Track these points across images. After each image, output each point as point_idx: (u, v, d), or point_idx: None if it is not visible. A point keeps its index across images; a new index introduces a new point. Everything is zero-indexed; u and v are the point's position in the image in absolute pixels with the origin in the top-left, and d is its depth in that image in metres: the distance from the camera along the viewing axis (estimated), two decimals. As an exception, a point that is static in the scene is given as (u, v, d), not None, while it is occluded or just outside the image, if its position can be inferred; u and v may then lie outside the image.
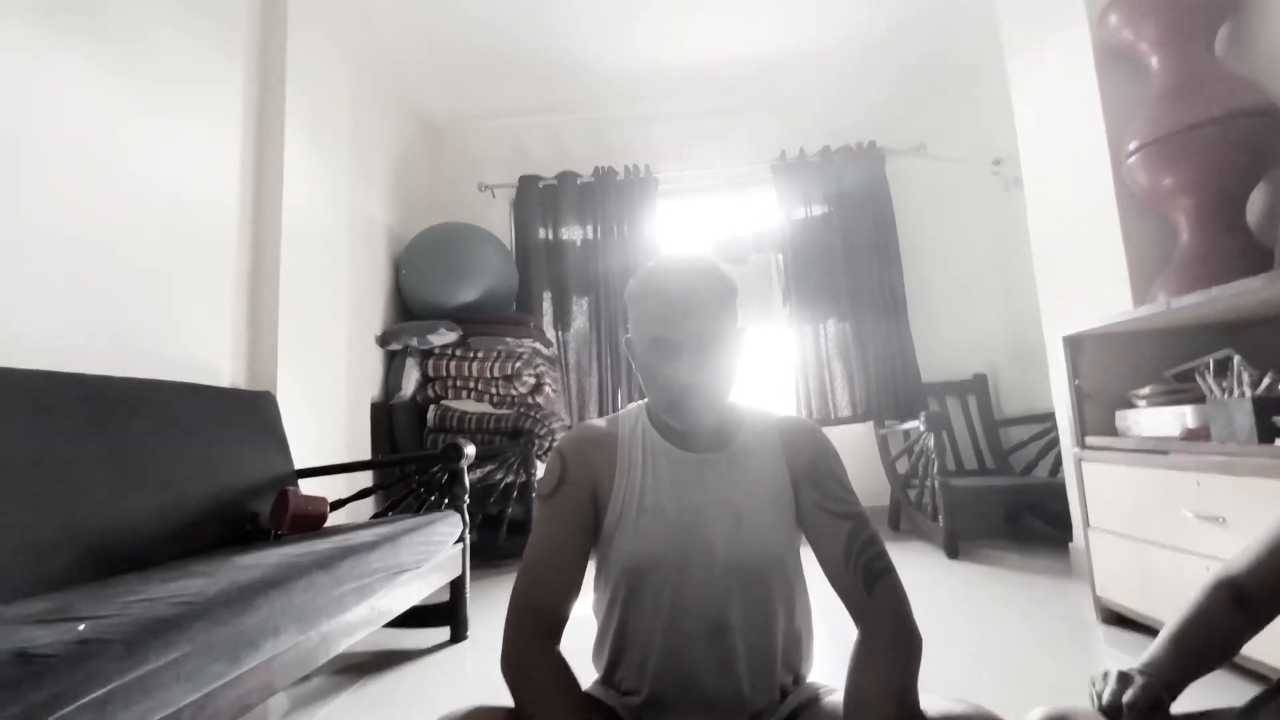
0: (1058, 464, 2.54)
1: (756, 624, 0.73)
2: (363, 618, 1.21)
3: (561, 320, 3.31)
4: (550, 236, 3.39)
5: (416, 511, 1.80)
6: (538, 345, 2.90)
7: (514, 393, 2.74)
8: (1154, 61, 1.70)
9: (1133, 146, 1.67)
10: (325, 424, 2.21)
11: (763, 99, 3.41)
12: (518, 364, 2.71)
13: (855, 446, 3.13)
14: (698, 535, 0.74)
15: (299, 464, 1.85)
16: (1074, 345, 1.70)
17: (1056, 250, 2.11)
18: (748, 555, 0.73)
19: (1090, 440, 1.66)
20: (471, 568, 1.81)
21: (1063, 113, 2.02)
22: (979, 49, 2.98)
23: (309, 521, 1.54)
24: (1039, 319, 2.23)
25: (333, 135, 2.37)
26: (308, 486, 1.85)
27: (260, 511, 1.58)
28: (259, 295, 1.97)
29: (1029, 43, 2.20)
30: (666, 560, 0.73)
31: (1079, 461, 1.69)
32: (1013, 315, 3.11)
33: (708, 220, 3.54)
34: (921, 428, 2.53)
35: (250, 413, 1.72)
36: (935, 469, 2.45)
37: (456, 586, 1.75)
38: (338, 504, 1.82)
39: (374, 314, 2.79)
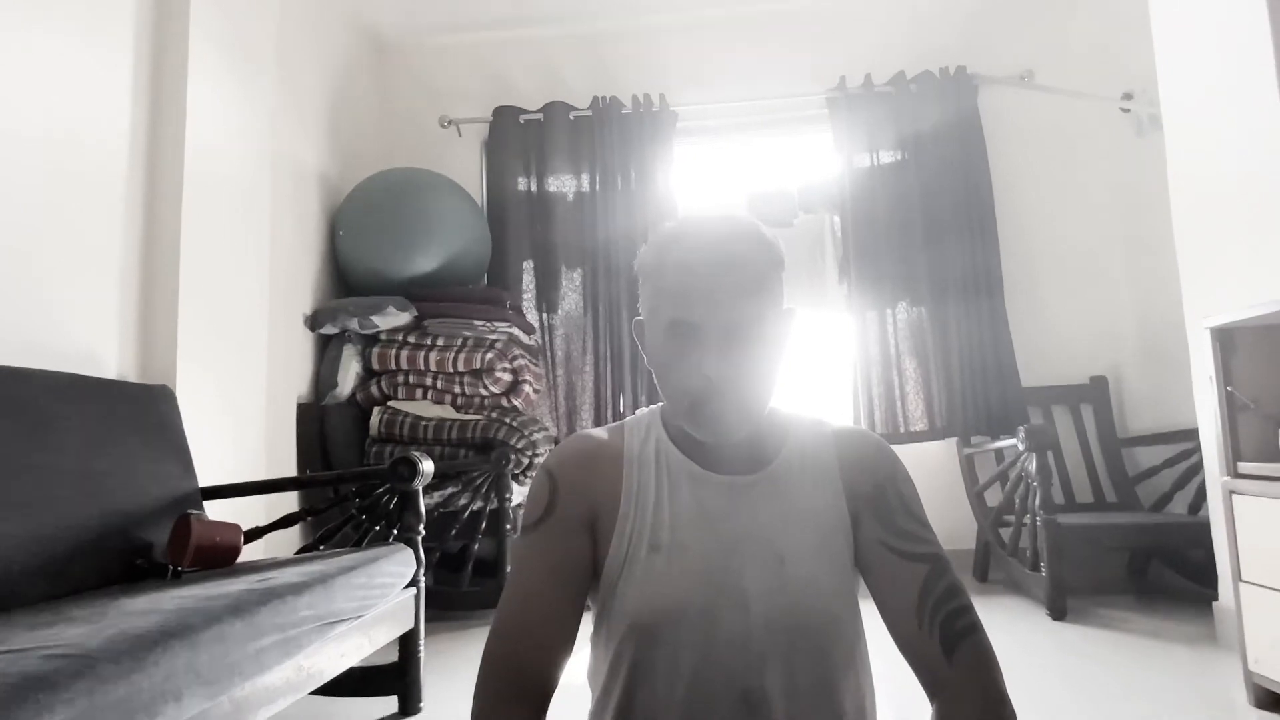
0: (1201, 498, 2.54)
1: (803, 697, 0.74)
2: (287, 680, 1.22)
3: (547, 299, 3.33)
4: (534, 188, 3.41)
5: (356, 545, 1.82)
6: (516, 331, 2.92)
7: (484, 392, 2.76)
8: (1342, -37, 1.68)
9: (1310, 77, 1.65)
10: (239, 429, 2.23)
11: (818, 6, 3.40)
12: (489, 355, 2.73)
13: (932, 471, 3.13)
14: (728, 581, 0.74)
15: (205, 480, 1.88)
16: (1224, 340, 1.70)
17: (1204, 214, 2.10)
18: (792, 608, 0.74)
19: (1245, 467, 1.66)
20: (427, 619, 1.83)
21: (1217, 32, 2.01)
22: (1106, -55, 2.95)
23: (217, 555, 1.56)
24: (1179, 305, 2.22)
25: (252, 55, 2.38)
26: (216, 510, 1.88)
27: (155, 542, 1.60)
28: (154, 262, 1.99)
29: (1174, -63, 2.18)
30: (687, 614, 0.73)
31: (1229, 494, 1.68)
32: (1144, 300, 3.10)
33: (741, 169, 3.54)
34: (1020, 447, 2.53)
35: (142, 412, 1.74)
36: (1038, 502, 2.45)
37: (407, 643, 1.77)
38: (254, 533, 1.85)
39: (303, 287, 2.82)
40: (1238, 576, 1.66)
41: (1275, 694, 1.59)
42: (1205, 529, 2.22)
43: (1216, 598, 2.13)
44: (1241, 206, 1.94)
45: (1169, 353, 2.77)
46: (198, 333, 2.05)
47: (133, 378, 1.92)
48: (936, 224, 3.22)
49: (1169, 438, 2.83)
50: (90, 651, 0.87)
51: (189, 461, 1.84)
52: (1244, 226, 1.94)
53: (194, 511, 1.67)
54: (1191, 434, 2.47)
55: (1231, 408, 1.68)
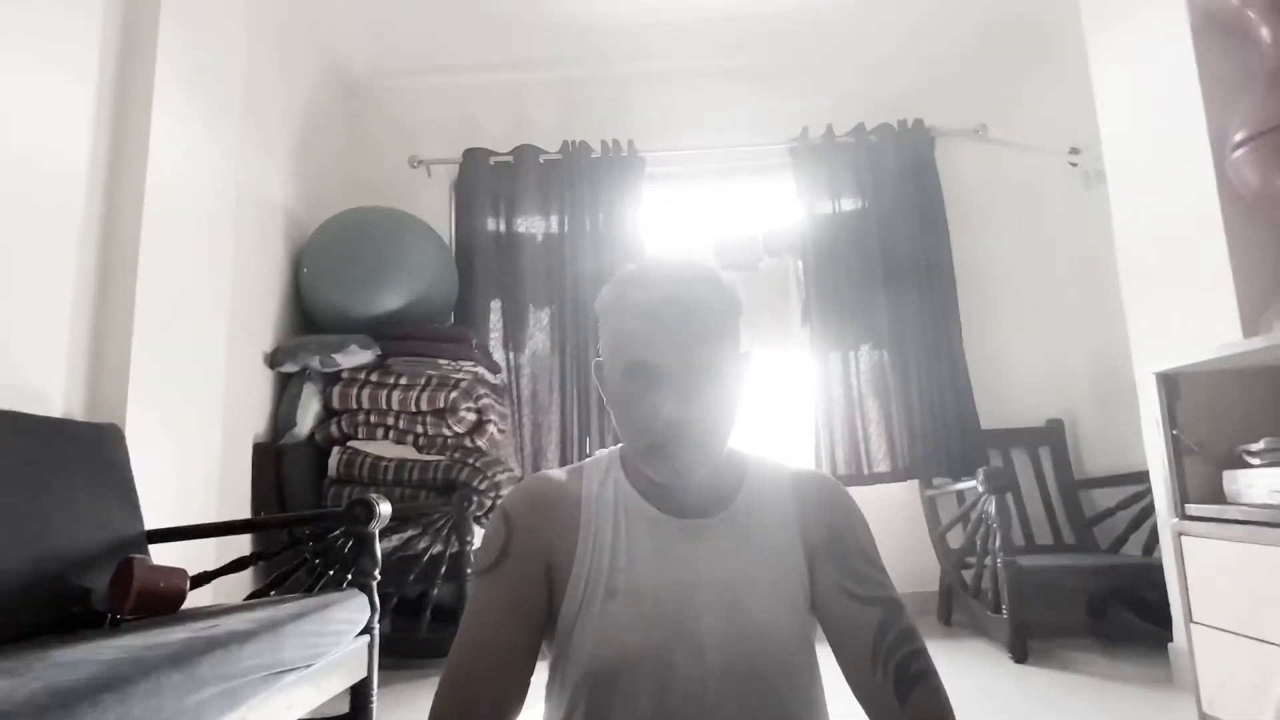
0: (1155, 539, 2.59)
1: (759, 746, 0.71)
2: (228, 735, 1.17)
3: (514, 338, 3.33)
4: (503, 228, 3.44)
5: (309, 591, 1.76)
6: (481, 370, 2.90)
7: (447, 433, 2.72)
8: (1264, 33, 1.80)
9: (1239, 138, 1.75)
10: (191, 469, 2.16)
11: (781, 60, 3.52)
12: (453, 394, 2.70)
13: (895, 512, 3.16)
14: (684, 627, 0.74)
15: (151, 523, 1.81)
16: (1170, 385, 1.76)
17: (1148, 263, 2.19)
18: (748, 653, 0.74)
19: (1192, 509, 1.70)
20: (382, 668, 1.77)
21: (1154, 92, 2.13)
22: (1053, 10, 3.12)
23: (161, 602, 1.50)
24: (1128, 350, 2.29)
25: (219, 90, 2.38)
26: (162, 554, 1.81)
27: (94, 588, 1.53)
28: (108, 296, 1.94)
29: (1113, 5, 2.31)
30: (643, 660, 0.73)
31: (1178, 535, 1.73)
32: (1097, 345, 3.20)
33: (708, 214, 3.62)
34: (980, 489, 2.56)
35: (88, 452, 1.68)
36: (998, 544, 2.48)
37: (360, 693, 1.70)
38: (201, 578, 1.78)
39: (264, 325, 2.78)
40: (1189, 618, 1.69)
41: (1229, 736, 1.61)
42: (1159, 570, 2.26)
43: (1171, 639, 2.16)
44: (1184, 256, 2.04)
45: (1121, 396, 2.85)
46: (151, 370, 2.00)
47: (80, 416, 1.86)
48: (896, 269, 3.31)
49: (1123, 479, 2.90)
50: (11, 709, 0.82)
51: (135, 503, 1.77)
52: (1187, 275, 2.03)
53: (138, 555, 1.60)
54: (1144, 476, 2.53)
55: (1178, 451, 1.73)
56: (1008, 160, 3.42)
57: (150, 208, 2.02)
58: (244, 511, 2.54)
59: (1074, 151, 3.26)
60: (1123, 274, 2.31)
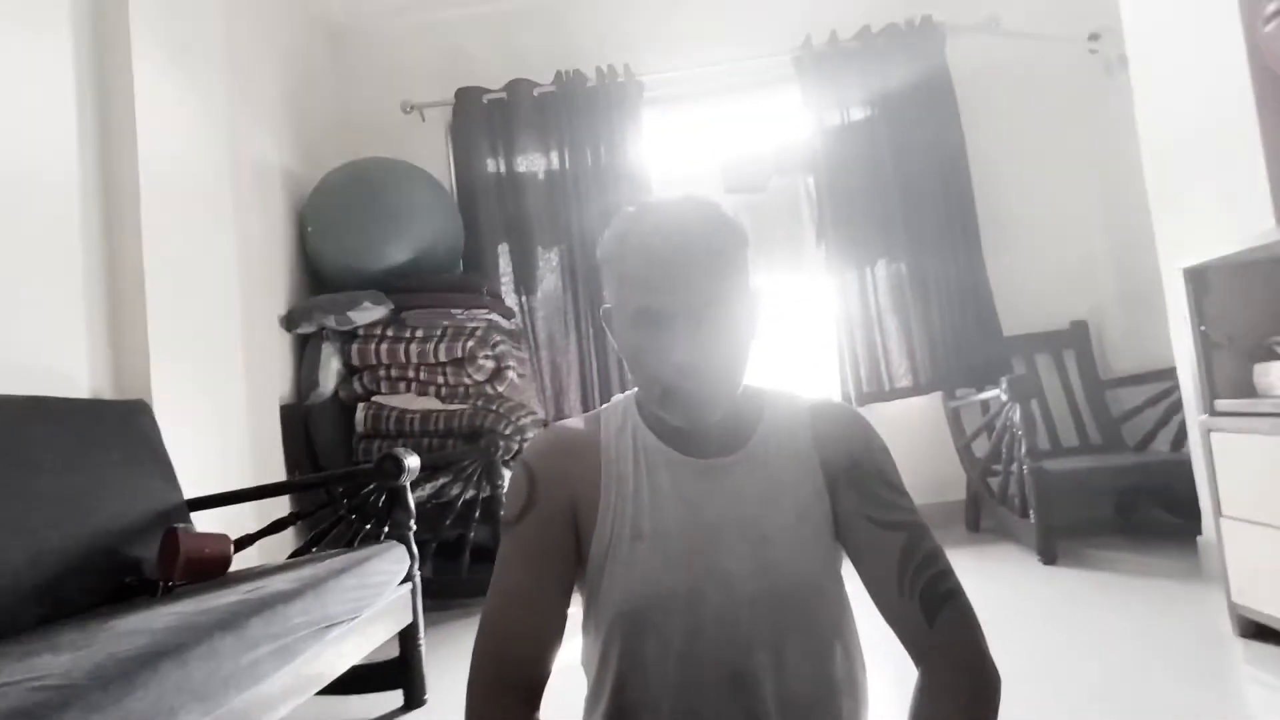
0: (1183, 435, 2.57)
1: (792, 671, 0.75)
2: (286, 687, 1.23)
3: (525, 282, 3.30)
4: (503, 169, 3.36)
5: (349, 546, 1.82)
6: (495, 317, 2.89)
7: (467, 381, 2.74)
8: (1299, -110, 1.65)
9: (1272, 8, 1.64)
10: (222, 438, 2.21)
11: (777, -34, 3.31)
12: (470, 343, 2.71)
13: (919, 426, 3.15)
14: (711, 564, 0.75)
15: (190, 492, 1.86)
16: (1197, 279, 1.71)
17: (1174, 155, 2.10)
18: (777, 584, 0.75)
19: (1221, 404, 1.68)
20: (428, 610, 1.84)
21: None
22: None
23: (208, 567, 1.56)
24: (1154, 247, 2.22)
25: (201, 52, 2.31)
26: (204, 521, 1.87)
27: (144, 558, 1.60)
28: (118, 276, 1.95)
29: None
30: (673, 598, 0.74)
31: (1207, 431, 1.71)
32: (1120, 242, 3.12)
33: (712, 137, 3.49)
34: (1004, 397, 2.55)
35: (119, 430, 1.72)
36: (1024, 449, 2.48)
37: (407, 638, 1.78)
38: (244, 541, 1.84)
39: (276, 287, 2.78)
40: (1218, 512, 1.70)
41: (1258, 623, 1.63)
42: (1188, 466, 2.25)
43: (1200, 533, 2.17)
44: (1210, 146, 1.95)
45: (1147, 294, 2.77)
46: (170, 343, 2.02)
47: (107, 395, 1.89)
48: (910, 179, 3.20)
49: (1150, 377, 2.86)
50: (78, 680, 0.86)
51: (172, 474, 1.82)
52: (1213, 166, 1.95)
53: (181, 525, 1.66)
54: (1171, 373, 2.48)
55: (1206, 347, 1.70)
56: (1023, 53, 3.24)
57: (146, 181, 2.00)
58: (280, 474, 2.61)
59: (1093, 38, 3.09)
60: (1147, 165, 2.22)
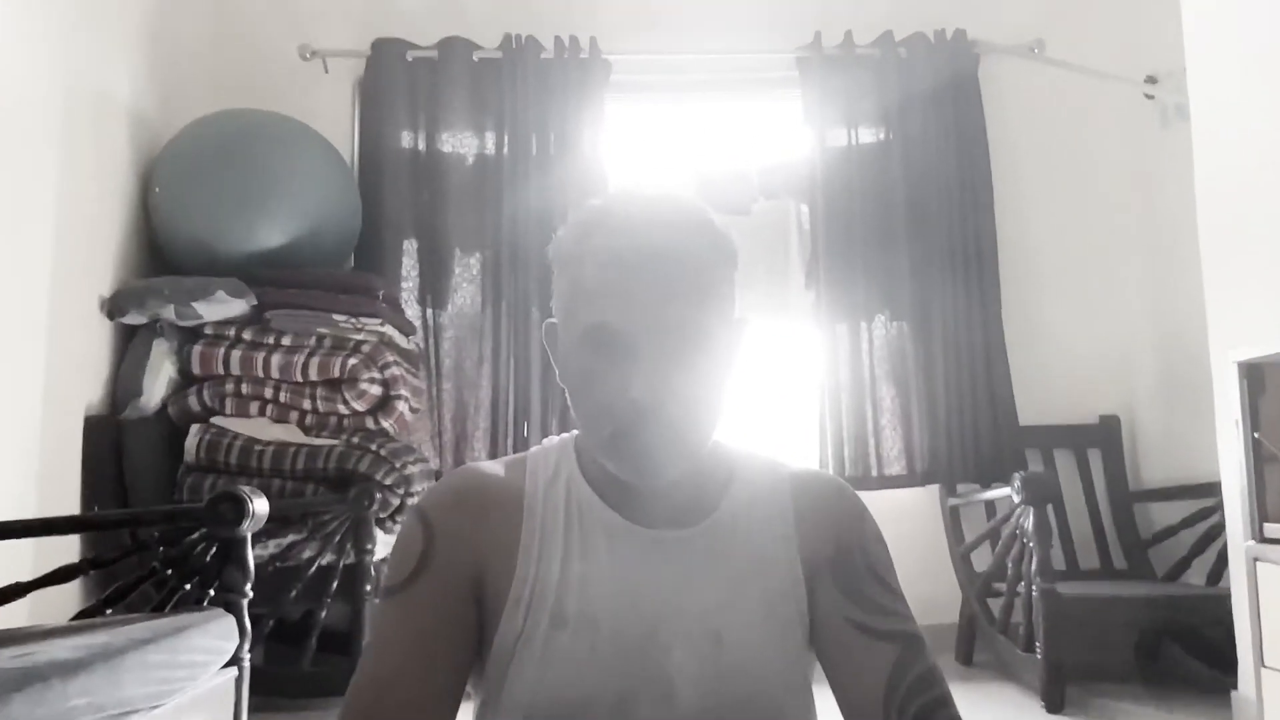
0: (1222, 565, 2.46)
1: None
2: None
3: (434, 291, 3.04)
4: (422, 145, 3.11)
5: (157, 610, 1.61)
6: (390, 330, 2.65)
7: (343, 410, 2.46)
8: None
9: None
10: (1, 450, 1.97)
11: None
12: (352, 361, 2.44)
13: (909, 526, 2.92)
14: (650, 667, 0.68)
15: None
16: (1253, 376, 1.68)
17: (1236, 224, 2.08)
18: (730, 699, 0.68)
19: (1272, 529, 1.63)
20: (255, 709, 1.61)
21: (1257, 13, 1.98)
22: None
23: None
24: (1204, 333, 2.20)
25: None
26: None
27: None
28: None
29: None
30: (597, 706, 0.67)
31: (1253, 561, 1.66)
32: (1165, 323, 3.05)
33: (689, 140, 3.34)
34: (1015, 498, 2.42)
35: None
36: (1035, 567, 2.35)
37: (224, 743, 1.56)
38: (12, 591, 1.59)
39: (101, 262, 2.48)
40: (1260, 661, 1.65)
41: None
42: (1226, 603, 2.18)
43: (1235, 686, 2.09)
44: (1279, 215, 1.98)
45: (1192, 390, 2.69)
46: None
47: None
48: (924, 221, 3.10)
49: (1188, 492, 2.74)
50: None
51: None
52: None
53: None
54: (1215, 488, 2.34)
55: (1259, 458, 1.67)
56: (1068, 88, 3.19)
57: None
58: (73, 505, 2.29)
59: (1150, 80, 3.03)
60: (1203, 236, 2.19)
